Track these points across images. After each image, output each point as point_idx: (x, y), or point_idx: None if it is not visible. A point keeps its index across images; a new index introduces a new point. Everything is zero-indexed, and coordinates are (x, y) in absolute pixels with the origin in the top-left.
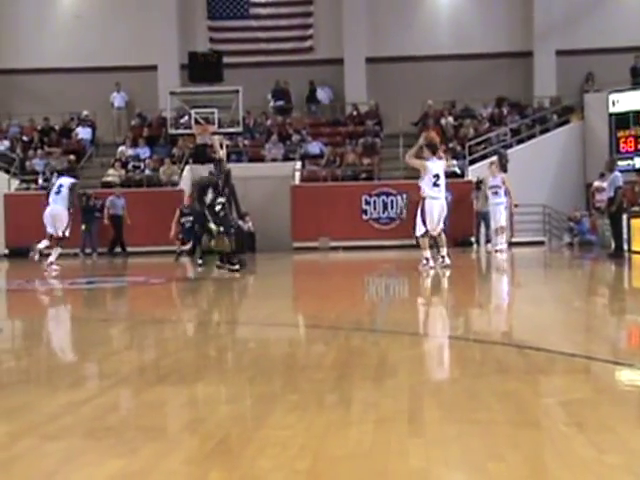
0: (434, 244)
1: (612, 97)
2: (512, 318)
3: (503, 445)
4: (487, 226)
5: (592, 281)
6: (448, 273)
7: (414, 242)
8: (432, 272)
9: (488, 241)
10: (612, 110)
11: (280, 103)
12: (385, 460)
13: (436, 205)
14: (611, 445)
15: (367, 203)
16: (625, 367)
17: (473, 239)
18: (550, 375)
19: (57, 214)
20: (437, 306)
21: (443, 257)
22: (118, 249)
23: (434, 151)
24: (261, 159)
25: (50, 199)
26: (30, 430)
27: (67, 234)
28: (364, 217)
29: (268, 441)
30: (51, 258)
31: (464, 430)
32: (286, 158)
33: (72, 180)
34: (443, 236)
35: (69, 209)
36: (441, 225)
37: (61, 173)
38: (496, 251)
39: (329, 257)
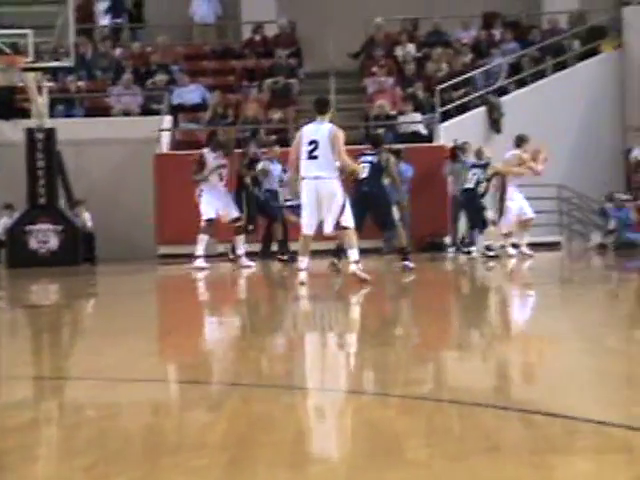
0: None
1: None
2: (510, 366)
3: None
4: (472, 218)
5: (635, 307)
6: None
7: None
8: (303, 287)
9: (469, 243)
10: None
11: (119, 20)
12: None
13: (311, 188)
14: None
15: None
16: None
17: (447, 239)
18: (571, 455)
19: None
20: (392, 347)
21: (356, 263)
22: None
23: (321, 110)
24: (106, 112)
25: None
26: None
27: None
28: None
29: None
30: None
31: None
32: (146, 110)
33: None
34: (348, 234)
35: None
36: (332, 219)
37: None
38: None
39: (215, 268)
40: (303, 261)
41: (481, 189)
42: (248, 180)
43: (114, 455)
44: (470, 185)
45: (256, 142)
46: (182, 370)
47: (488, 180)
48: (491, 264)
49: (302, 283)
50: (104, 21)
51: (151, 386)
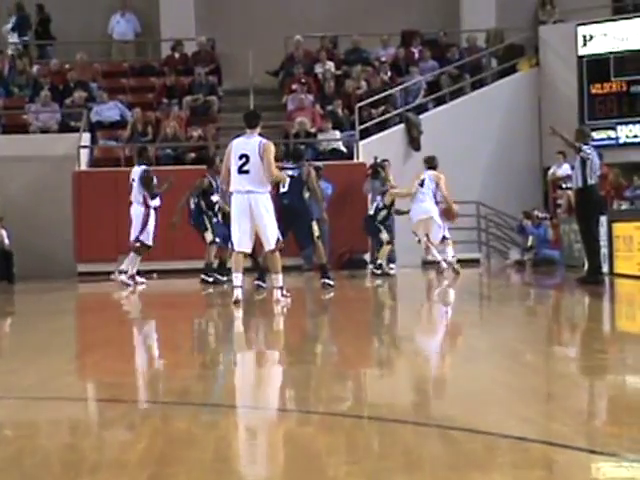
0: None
1: (582, 31)
2: (430, 382)
3: None
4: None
5: (553, 323)
6: (282, 309)
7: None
8: (237, 305)
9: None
10: (583, 51)
11: (26, 38)
12: None
13: (243, 202)
14: None
15: None
16: (605, 458)
17: (367, 256)
18: (490, 471)
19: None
20: (312, 364)
21: (280, 289)
22: None
23: (251, 124)
24: (24, 129)
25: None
26: None
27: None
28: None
29: None
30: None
31: None
32: (65, 128)
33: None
34: (275, 256)
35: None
36: (271, 235)
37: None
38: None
39: (138, 287)
40: (237, 277)
41: (380, 216)
42: (204, 207)
43: (32, 474)
44: (370, 212)
45: (212, 173)
46: (101, 388)
47: (387, 207)
48: (378, 281)
49: (237, 301)
50: (12, 39)
51: (70, 405)
